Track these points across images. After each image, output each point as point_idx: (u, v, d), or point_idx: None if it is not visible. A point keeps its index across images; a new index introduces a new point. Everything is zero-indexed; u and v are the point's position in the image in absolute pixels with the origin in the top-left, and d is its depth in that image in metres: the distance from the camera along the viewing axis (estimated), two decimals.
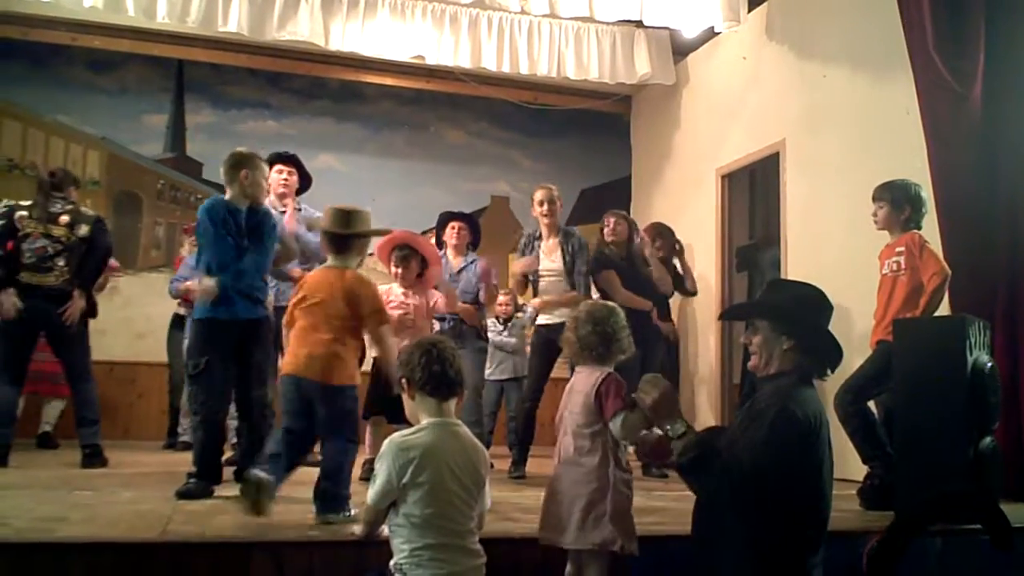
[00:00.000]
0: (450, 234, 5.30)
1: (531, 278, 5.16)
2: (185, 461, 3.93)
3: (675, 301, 6.41)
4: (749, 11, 6.21)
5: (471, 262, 5.26)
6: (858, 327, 4.59)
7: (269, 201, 4.49)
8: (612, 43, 7.07)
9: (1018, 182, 4.34)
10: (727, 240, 6.79)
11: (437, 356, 2.43)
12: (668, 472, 4.84)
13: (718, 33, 6.46)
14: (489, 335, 5.58)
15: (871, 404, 4.02)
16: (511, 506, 3.50)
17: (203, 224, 3.70)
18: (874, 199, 4.14)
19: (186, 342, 5.06)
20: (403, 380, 2.47)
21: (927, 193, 4.19)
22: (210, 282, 3.64)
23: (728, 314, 6.32)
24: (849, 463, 4.00)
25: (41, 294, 4.63)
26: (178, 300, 5.81)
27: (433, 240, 5.38)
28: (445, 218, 5.42)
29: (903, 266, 3.96)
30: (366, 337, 3.38)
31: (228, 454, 4.07)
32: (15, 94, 6.93)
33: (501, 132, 8.11)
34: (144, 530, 2.77)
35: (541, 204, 5.09)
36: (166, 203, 7.28)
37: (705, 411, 6.76)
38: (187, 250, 5.99)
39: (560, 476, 2.57)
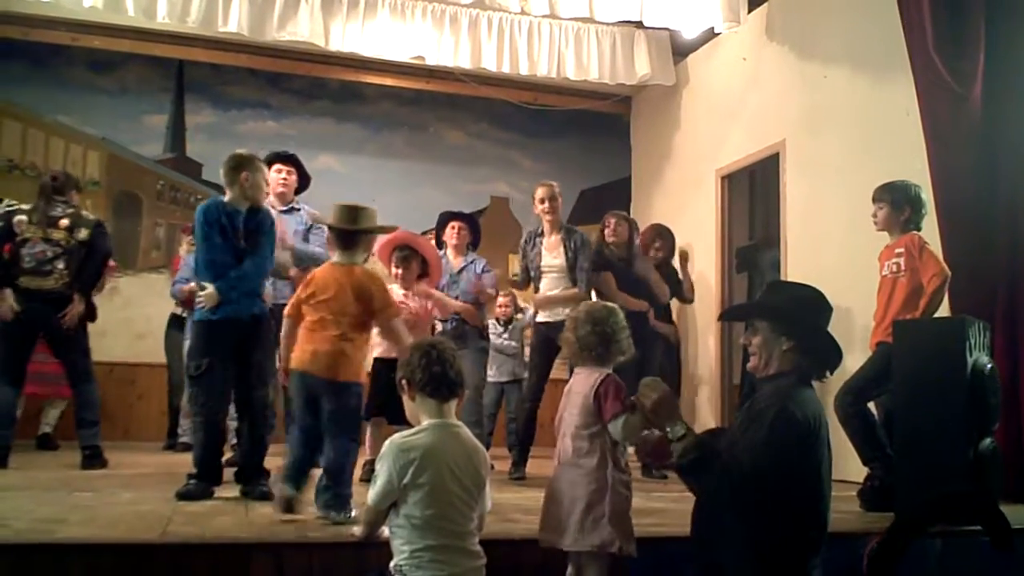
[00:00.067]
0: (450, 234, 5.30)
1: (533, 274, 5.16)
2: (185, 462, 3.93)
3: (675, 302, 6.41)
4: (749, 12, 6.21)
5: (471, 262, 5.26)
6: (858, 328, 4.59)
7: (268, 201, 4.49)
8: (612, 44, 7.07)
9: (1018, 183, 4.34)
10: (727, 241, 6.79)
11: (437, 357, 2.43)
12: (668, 473, 4.85)
13: (718, 34, 6.46)
14: (490, 337, 5.57)
15: (871, 405, 4.02)
16: (511, 507, 3.50)
17: (199, 225, 3.71)
18: (874, 200, 4.13)
19: (186, 343, 5.06)
20: (403, 381, 2.47)
21: (927, 194, 4.19)
22: (210, 290, 3.65)
23: (728, 315, 6.32)
24: (849, 464, 3.99)
25: (40, 298, 4.63)
26: (180, 303, 5.79)
27: (433, 240, 5.38)
28: (445, 218, 5.42)
29: (903, 267, 3.95)
30: (374, 332, 3.38)
31: (228, 455, 4.07)
32: (15, 94, 6.92)
33: (501, 133, 8.10)
34: (144, 531, 2.77)
35: (543, 201, 5.09)
36: (166, 204, 7.27)
37: (705, 412, 6.76)
38: (185, 249, 5.97)
39: (559, 477, 2.57)
